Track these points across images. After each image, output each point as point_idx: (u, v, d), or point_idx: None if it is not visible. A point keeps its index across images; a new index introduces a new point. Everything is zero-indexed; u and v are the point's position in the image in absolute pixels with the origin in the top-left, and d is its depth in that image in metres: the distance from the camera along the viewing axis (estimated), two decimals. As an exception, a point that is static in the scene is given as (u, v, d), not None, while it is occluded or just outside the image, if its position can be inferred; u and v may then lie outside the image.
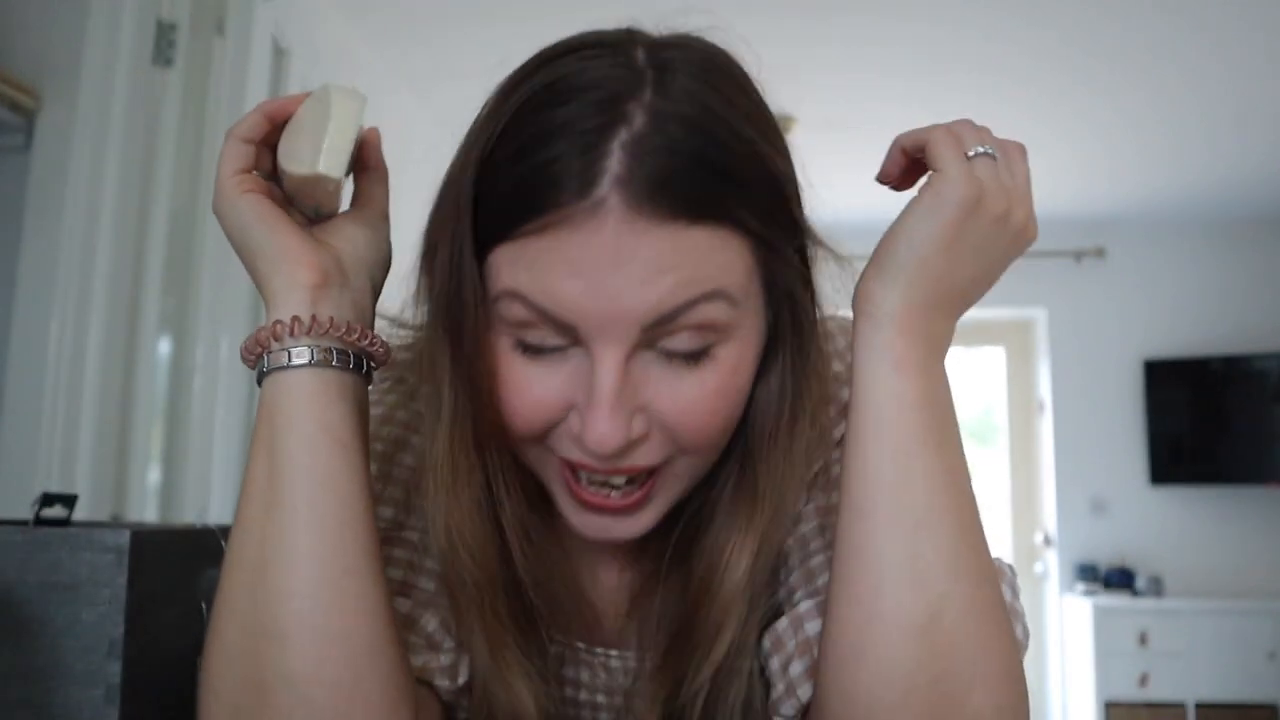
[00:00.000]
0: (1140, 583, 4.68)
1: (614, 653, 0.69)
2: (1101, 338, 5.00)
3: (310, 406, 0.55)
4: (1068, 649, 4.90)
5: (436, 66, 3.13)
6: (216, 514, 2.29)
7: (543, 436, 0.57)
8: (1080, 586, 4.80)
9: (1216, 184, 4.45)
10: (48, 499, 0.71)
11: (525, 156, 0.52)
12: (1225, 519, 4.79)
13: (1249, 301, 4.89)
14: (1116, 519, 4.90)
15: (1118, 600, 4.62)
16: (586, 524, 0.59)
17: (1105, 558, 4.86)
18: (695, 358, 0.54)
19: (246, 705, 0.52)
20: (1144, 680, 4.47)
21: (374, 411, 0.72)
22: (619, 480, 0.57)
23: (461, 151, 0.58)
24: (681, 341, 0.53)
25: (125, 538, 0.64)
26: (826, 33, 3.06)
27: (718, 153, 0.52)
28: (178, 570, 0.71)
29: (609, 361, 0.52)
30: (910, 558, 0.53)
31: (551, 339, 0.54)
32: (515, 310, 0.53)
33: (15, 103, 1.75)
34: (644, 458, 0.56)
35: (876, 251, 0.58)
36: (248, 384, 2.43)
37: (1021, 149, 0.59)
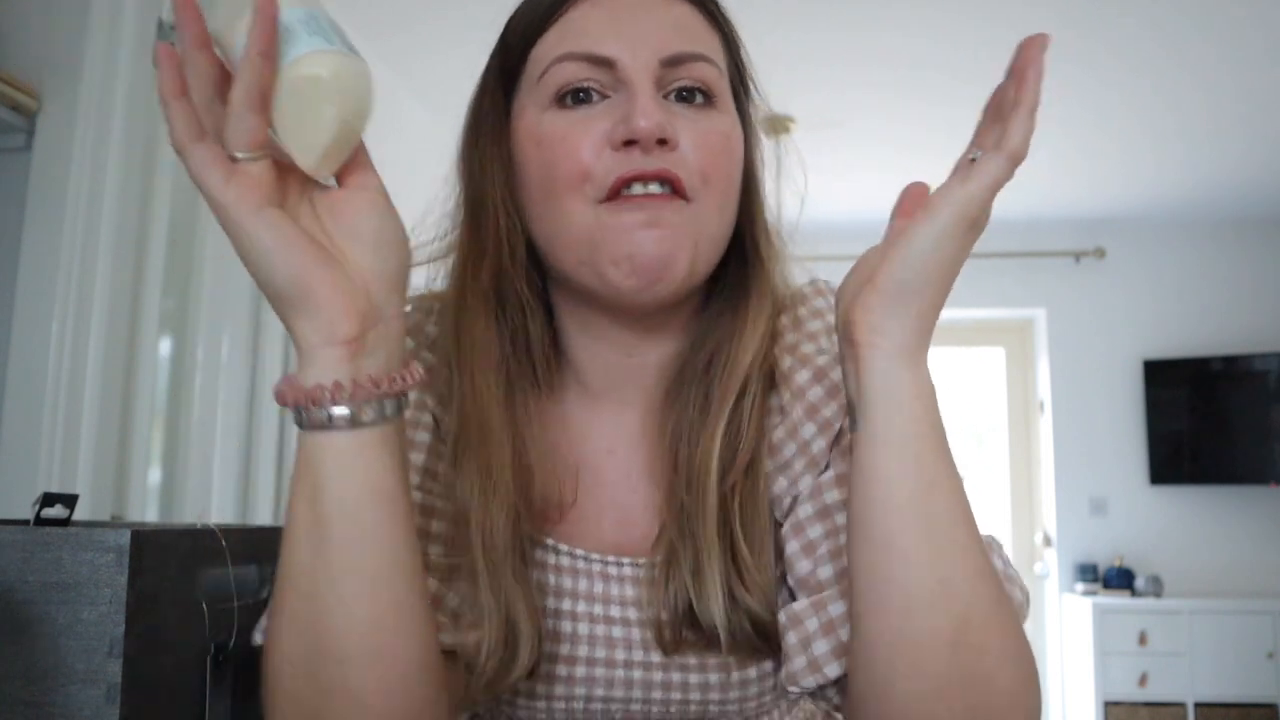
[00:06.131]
0: (1140, 582, 4.68)
1: (611, 558, 0.71)
2: (1101, 338, 5.00)
3: (352, 467, 0.54)
4: (1067, 649, 4.91)
5: (439, 68, 3.13)
6: (217, 514, 2.29)
7: (587, 177, 0.65)
8: (1080, 586, 4.80)
9: (1216, 184, 4.45)
10: (48, 499, 0.71)
11: None
12: (1225, 519, 4.79)
13: (1249, 301, 4.89)
14: (1116, 519, 4.90)
15: (1117, 600, 4.62)
16: (636, 237, 0.64)
17: (1105, 557, 4.86)
18: (701, 106, 0.68)
19: (309, 709, 0.56)
20: (1143, 680, 4.47)
21: None
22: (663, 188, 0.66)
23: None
24: (688, 83, 0.68)
25: (125, 538, 0.64)
26: (825, 33, 3.07)
27: None
28: (177, 570, 0.71)
29: (643, 80, 0.66)
30: (939, 581, 0.55)
31: (593, 83, 0.67)
32: (565, 69, 0.67)
33: (15, 103, 1.75)
34: (677, 164, 0.65)
35: (875, 275, 0.55)
36: (248, 384, 2.43)
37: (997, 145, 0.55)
